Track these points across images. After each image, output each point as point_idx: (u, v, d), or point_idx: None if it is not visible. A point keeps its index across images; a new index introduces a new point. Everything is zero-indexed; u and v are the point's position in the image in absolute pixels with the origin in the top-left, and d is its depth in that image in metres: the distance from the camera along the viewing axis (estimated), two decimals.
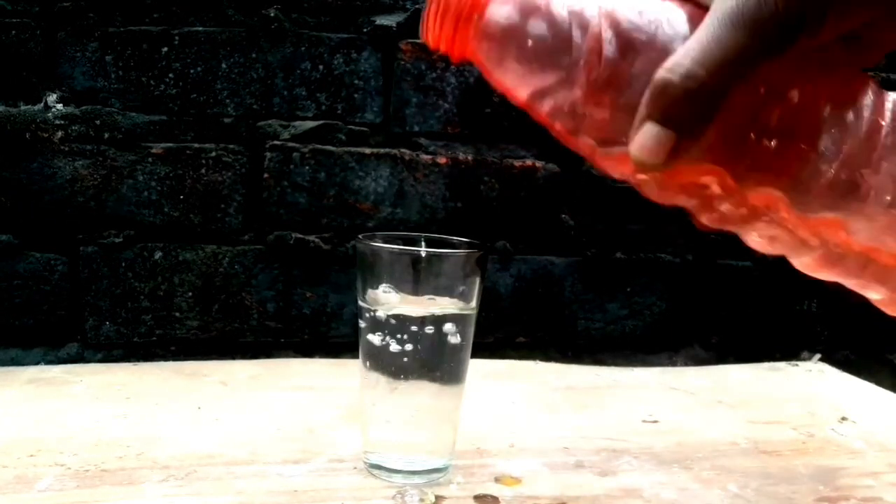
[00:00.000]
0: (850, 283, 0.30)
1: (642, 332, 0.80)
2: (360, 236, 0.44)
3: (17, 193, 0.66)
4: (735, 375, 0.72)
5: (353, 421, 0.52)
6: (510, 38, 0.29)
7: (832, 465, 0.50)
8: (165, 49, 0.67)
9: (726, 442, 0.54)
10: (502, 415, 0.57)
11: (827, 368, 0.76)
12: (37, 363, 0.69)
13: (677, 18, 0.28)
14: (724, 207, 0.29)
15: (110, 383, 0.60)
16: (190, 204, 0.70)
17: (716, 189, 0.29)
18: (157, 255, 0.70)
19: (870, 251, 0.28)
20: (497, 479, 0.45)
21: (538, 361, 0.75)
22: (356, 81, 0.71)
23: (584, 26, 0.28)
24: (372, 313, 0.43)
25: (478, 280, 0.44)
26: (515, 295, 0.76)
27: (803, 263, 0.31)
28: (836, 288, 0.32)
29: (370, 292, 0.43)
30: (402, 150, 0.72)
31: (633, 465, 0.49)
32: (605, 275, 0.78)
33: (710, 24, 0.26)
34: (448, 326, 0.43)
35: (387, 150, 0.72)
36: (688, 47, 0.26)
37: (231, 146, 0.70)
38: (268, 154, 0.70)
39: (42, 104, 0.66)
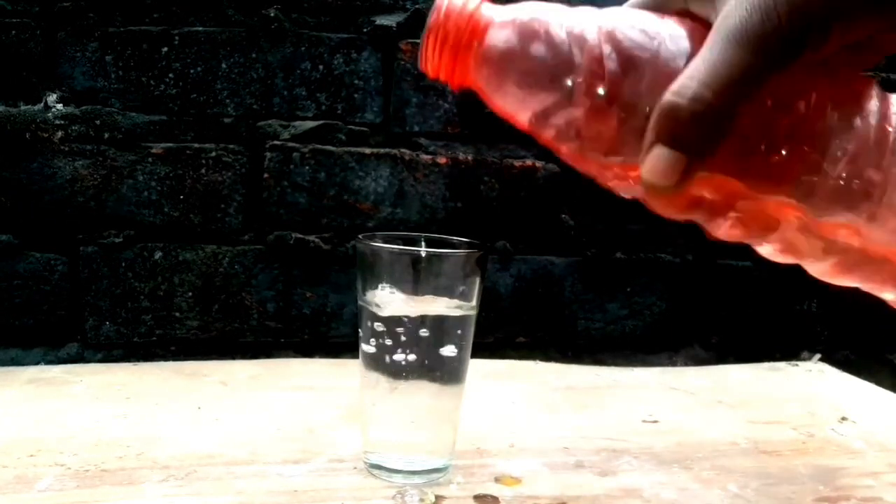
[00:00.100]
0: (867, 287, 0.30)
1: (642, 332, 0.80)
2: (360, 236, 0.44)
3: (17, 193, 0.66)
4: (735, 375, 0.72)
5: (353, 421, 0.52)
6: (510, 62, 0.29)
7: (832, 465, 0.50)
8: (165, 49, 0.67)
9: (726, 442, 0.54)
10: (502, 415, 0.57)
11: (827, 368, 0.76)
12: (37, 363, 0.69)
13: (679, 35, 0.28)
14: (737, 220, 0.29)
15: (110, 383, 0.60)
16: (190, 204, 0.70)
17: (727, 202, 0.29)
18: (157, 255, 0.70)
19: (886, 253, 0.28)
20: (497, 479, 0.45)
21: (538, 361, 0.75)
22: (356, 81, 0.71)
23: (584, 46, 0.28)
24: (372, 313, 0.43)
25: (478, 280, 0.44)
26: (515, 295, 0.76)
27: (819, 270, 0.31)
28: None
29: (370, 292, 0.43)
30: (402, 150, 0.72)
31: (633, 465, 0.49)
32: (605, 275, 0.78)
33: (714, 43, 0.26)
34: (448, 331, 0.43)
35: (387, 150, 0.72)
36: (693, 68, 0.26)
37: (231, 146, 0.70)
38: (268, 154, 0.70)
39: (42, 104, 0.66)
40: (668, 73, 0.27)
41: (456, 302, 0.43)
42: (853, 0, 0.25)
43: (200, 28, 0.68)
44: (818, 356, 0.81)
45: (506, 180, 0.74)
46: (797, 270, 0.32)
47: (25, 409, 0.54)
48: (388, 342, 0.42)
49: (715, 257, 0.80)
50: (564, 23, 0.28)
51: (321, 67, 0.70)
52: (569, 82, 0.28)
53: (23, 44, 0.65)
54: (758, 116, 0.26)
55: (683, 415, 0.59)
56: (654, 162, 0.26)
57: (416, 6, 0.71)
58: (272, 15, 0.69)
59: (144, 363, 0.69)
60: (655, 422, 0.57)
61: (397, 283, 0.42)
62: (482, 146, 0.74)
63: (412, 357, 0.42)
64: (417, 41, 0.71)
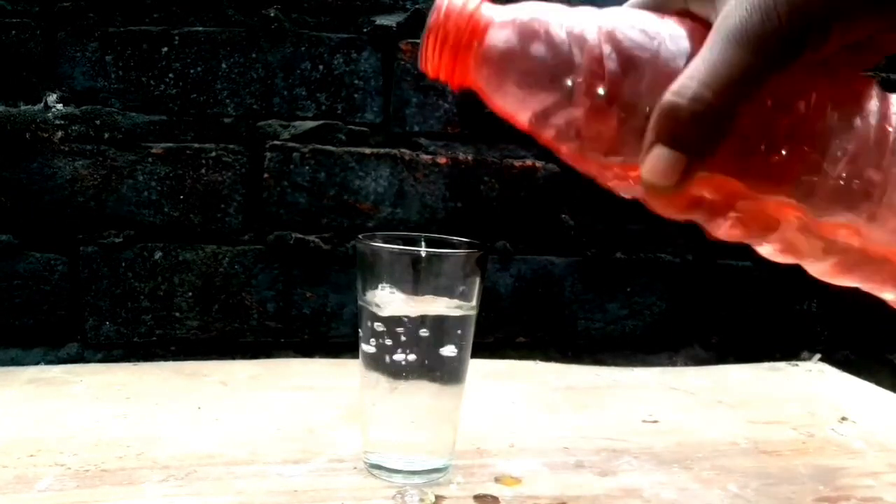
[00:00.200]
0: (867, 287, 0.30)
1: (642, 332, 0.80)
2: (360, 236, 0.44)
3: (17, 193, 0.66)
4: (735, 375, 0.72)
5: (353, 421, 0.52)
6: (510, 62, 0.29)
7: (832, 465, 0.50)
8: (165, 49, 0.67)
9: (726, 442, 0.54)
10: (502, 415, 0.57)
11: (827, 368, 0.76)
12: (37, 363, 0.69)
13: (679, 35, 0.28)
14: (737, 220, 0.29)
15: (110, 383, 0.60)
16: (190, 204, 0.70)
17: (727, 202, 0.29)
18: (157, 255, 0.70)
19: (886, 252, 0.28)
20: (497, 479, 0.45)
21: (538, 361, 0.75)
22: (356, 81, 0.71)
23: (584, 46, 0.28)
24: (372, 313, 0.43)
25: (478, 280, 0.44)
26: (515, 295, 0.76)
27: (819, 270, 0.31)
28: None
29: (370, 292, 0.43)
30: (402, 150, 0.72)
31: (633, 465, 0.49)
32: (605, 275, 0.78)
33: (714, 43, 0.26)
34: (448, 331, 0.43)
35: (387, 150, 0.72)
36: (693, 68, 0.26)
37: (231, 146, 0.70)
38: (268, 154, 0.70)
39: (42, 104, 0.66)
40: (668, 73, 0.27)
41: (456, 302, 0.43)
42: (853, 0, 0.25)
43: (200, 28, 0.68)
44: (818, 356, 0.81)
45: (506, 180, 0.74)
46: (797, 270, 0.32)
47: (25, 409, 0.54)
48: (388, 342, 0.42)
49: (715, 257, 0.80)
50: (564, 23, 0.28)
51: (321, 67, 0.70)
52: (569, 82, 0.28)
53: (23, 44, 0.65)
54: (758, 116, 0.27)
55: (683, 415, 0.59)
56: (654, 162, 0.26)
57: (416, 6, 0.71)
58: (272, 15, 0.69)
59: (144, 363, 0.69)
60: (655, 422, 0.57)
61: (397, 283, 0.42)
62: (482, 146, 0.74)
63: (412, 357, 0.42)
64: (417, 41, 0.72)
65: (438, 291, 0.42)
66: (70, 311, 0.69)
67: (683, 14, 0.29)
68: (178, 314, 0.71)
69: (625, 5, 0.32)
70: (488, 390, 0.63)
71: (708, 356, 0.81)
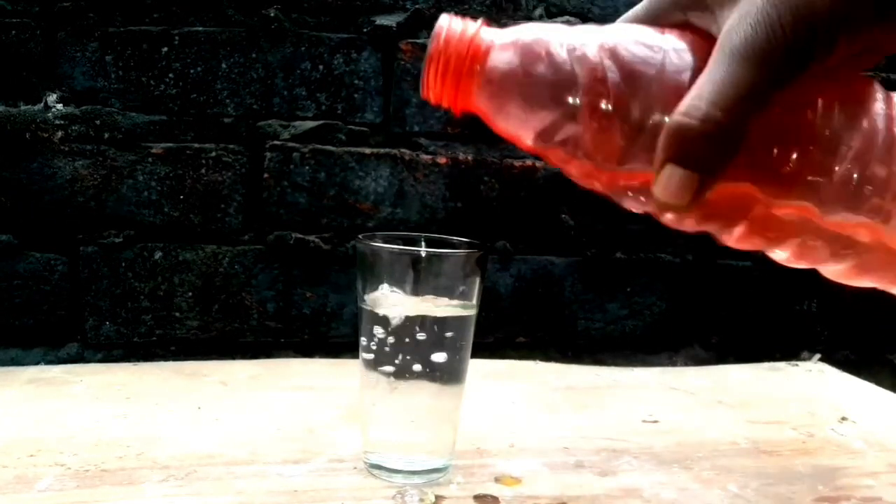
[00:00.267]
0: (883, 286, 0.30)
1: (642, 332, 0.80)
2: (360, 236, 0.44)
3: (17, 193, 0.66)
4: (735, 375, 0.72)
5: (353, 421, 0.52)
6: (513, 83, 0.29)
7: (832, 465, 0.50)
8: (165, 49, 0.67)
9: (726, 442, 0.54)
10: (502, 415, 0.57)
11: (827, 368, 0.76)
12: (37, 363, 0.69)
13: (681, 48, 0.28)
14: (750, 228, 0.29)
15: (110, 383, 0.60)
16: (190, 204, 0.70)
17: (740, 212, 0.29)
18: (157, 255, 0.70)
19: None
20: (497, 479, 0.45)
21: (538, 361, 0.75)
22: (356, 81, 0.71)
23: (586, 64, 0.28)
24: (372, 313, 0.43)
25: (478, 280, 0.44)
26: (515, 295, 0.76)
27: (835, 273, 0.30)
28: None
29: (370, 292, 0.43)
30: (402, 150, 0.72)
31: (633, 465, 0.49)
32: (605, 275, 0.78)
33: (721, 60, 0.26)
34: (448, 331, 0.43)
35: (387, 150, 0.72)
36: (700, 87, 0.26)
37: (231, 146, 0.70)
38: (268, 154, 0.70)
39: (42, 104, 0.66)
40: (672, 87, 0.27)
41: (456, 302, 0.43)
42: (858, 11, 0.25)
43: (200, 28, 0.68)
44: (818, 356, 0.81)
45: (506, 180, 0.74)
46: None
47: (25, 409, 0.54)
48: (388, 342, 0.42)
49: (715, 257, 0.80)
50: (565, 42, 0.28)
51: (321, 67, 0.70)
52: (572, 100, 0.28)
53: (23, 44, 0.65)
54: (766, 125, 0.26)
55: (683, 415, 0.59)
56: (667, 181, 0.26)
57: (416, 6, 0.71)
58: (272, 15, 0.69)
59: (144, 363, 0.69)
60: (655, 422, 0.57)
61: (397, 283, 0.42)
62: (482, 146, 0.74)
63: (412, 357, 0.42)
64: (417, 41, 0.72)
65: (438, 291, 0.42)
66: (70, 311, 0.69)
67: (683, 27, 0.29)
68: (178, 314, 0.71)
69: (621, 19, 0.32)
70: (488, 390, 0.63)
71: (708, 356, 0.81)
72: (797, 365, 0.77)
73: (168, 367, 0.67)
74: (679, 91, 0.27)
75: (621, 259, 0.78)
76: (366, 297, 0.43)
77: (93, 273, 0.69)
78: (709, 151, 0.26)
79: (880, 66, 0.80)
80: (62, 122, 0.66)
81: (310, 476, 0.45)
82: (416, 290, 0.42)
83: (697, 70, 0.27)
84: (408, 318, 0.42)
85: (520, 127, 0.30)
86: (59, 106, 0.66)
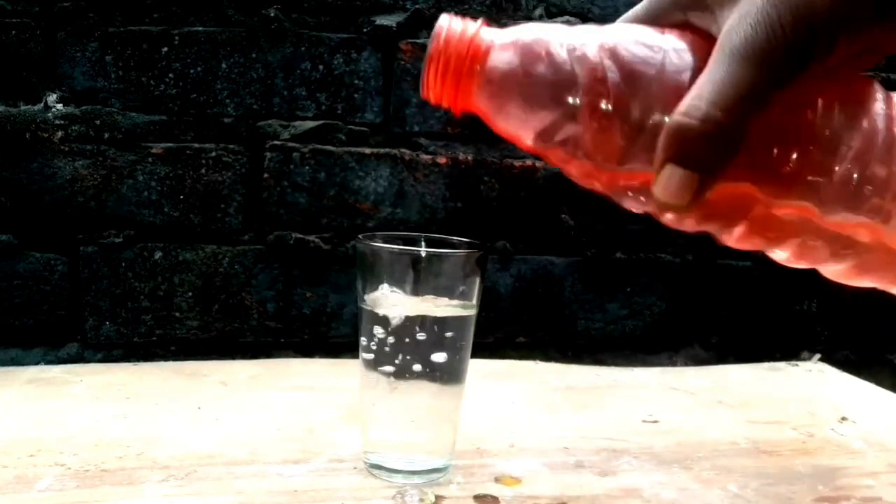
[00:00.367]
0: (883, 286, 0.30)
1: (642, 332, 0.80)
2: (360, 236, 0.44)
3: (17, 193, 0.66)
4: (735, 375, 0.72)
5: (353, 421, 0.52)
6: (512, 83, 0.29)
7: (832, 465, 0.50)
8: (165, 49, 0.67)
9: (726, 442, 0.54)
10: (502, 415, 0.57)
11: (827, 368, 0.76)
12: (37, 363, 0.69)
13: (681, 48, 0.28)
14: (751, 228, 0.29)
15: (110, 383, 0.60)
16: (190, 204, 0.70)
17: (740, 212, 0.29)
18: (157, 255, 0.70)
19: None
20: (497, 479, 0.45)
21: (538, 361, 0.75)
22: (356, 81, 0.71)
23: (586, 63, 0.28)
24: (372, 313, 0.43)
25: (478, 280, 0.44)
26: (515, 295, 0.76)
27: (835, 273, 0.30)
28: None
29: (370, 292, 0.43)
30: (402, 150, 0.72)
31: (633, 465, 0.49)
32: (605, 275, 0.78)
33: (721, 60, 0.26)
34: (448, 331, 0.43)
35: (387, 150, 0.72)
36: (700, 88, 0.26)
37: (231, 146, 0.70)
38: (268, 154, 0.70)
39: (42, 104, 0.66)
40: (672, 86, 0.27)
41: (456, 302, 0.43)
42: (858, 11, 0.25)
43: (200, 28, 0.68)
44: (818, 356, 0.81)
45: (506, 180, 0.74)
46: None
47: (25, 409, 0.54)
48: (388, 342, 0.42)
49: (715, 257, 0.80)
50: (565, 42, 0.28)
51: (321, 67, 0.70)
52: (573, 101, 0.28)
53: (23, 44, 0.65)
54: (766, 125, 0.27)
55: (683, 415, 0.59)
56: (667, 181, 0.26)
57: (416, 6, 0.71)
58: (272, 15, 0.69)
59: (144, 363, 0.69)
60: (655, 422, 0.57)
61: (397, 283, 0.42)
62: (482, 146, 0.74)
63: (412, 357, 0.42)
64: (417, 41, 0.72)
65: (438, 291, 0.42)
66: (70, 311, 0.69)
67: (682, 26, 0.29)
68: (178, 314, 0.71)
69: (621, 19, 0.32)
70: (488, 390, 0.63)
71: (708, 356, 0.81)
72: (797, 365, 0.77)
73: (168, 367, 0.67)
74: (679, 91, 0.27)
75: (621, 259, 0.78)
76: (366, 297, 0.43)
77: (93, 273, 0.69)
78: (709, 151, 0.26)
79: (880, 66, 0.80)
80: (62, 122, 0.66)
81: (310, 476, 0.45)
82: (416, 290, 0.42)
83: (697, 70, 0.27)
84: (408, 318, 0.42)
85: (520, 127, 0.30)
86: (59, 106, 0.66)
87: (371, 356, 0.43)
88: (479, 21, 0.31)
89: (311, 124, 0.71)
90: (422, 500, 0.42)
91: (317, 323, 0.73)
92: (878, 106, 0.27)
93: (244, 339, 0.72)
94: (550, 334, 0.78)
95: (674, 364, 0.80)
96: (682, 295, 0.80)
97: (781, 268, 0.33)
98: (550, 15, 0.74)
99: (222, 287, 0.71)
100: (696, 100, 0.26)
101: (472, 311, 0.44)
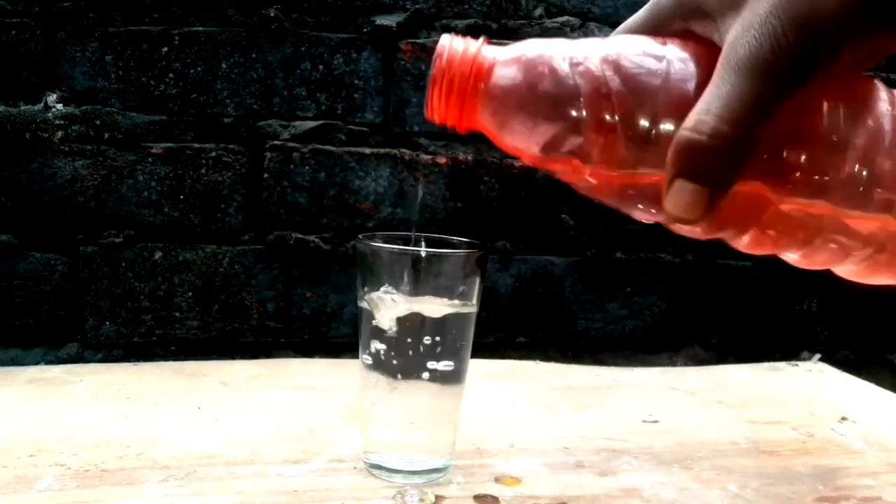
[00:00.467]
0: None
1: (642, 332, 0.80)
2: (360, 236, 0.44)
3: (17, 193, 0.66)
4: (735, 375, 0.72)
5: (353, 421, 0.52)
6: (516, 99, 0.29)
7: (832, 465, 0.50)
8: (165, 49, 0.67)
9: (726, 442, 0.54)
10: (502, 415, 0.57)
11: (827, 368, 0.76)
12: (37, 363, 0.69)
13: (684, 57, 0.28)
14: (762, 233, 0.29)
15: (110, 383, 0.60)
16: (190, 204, 0.70)
17: (752, 218, 0.29)
18: (157, 255, 0.70)
19: None
20: (497, 479, 0.45)
21: (538, 361, 0.75)
22: (356, 81, 0.71)
23: (589, 77, 0.28)
24: (372, 313, 0.43)
25: (478, 280, 0.44)
26: (515, 295, 0.76)
27: (848, 271, 0.30)
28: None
29: (370, 292, 0.43)
30: (402, 150, 0.72)
31: (633, 465, 0.49)
32: (605, 275, 0.78)
33: (726, 73, 0.25)
34: (448, 331, 0.43)
35: (387, 150, 0.72)
36: (707, 101, 0.26)
37: (231, 146, 0.70)
38: (268, 154, 0.70)
39: (42, 104, 0.66)
40: (677, 98, 0.27)
41: (456, 302, 0.43)
42: (862, 18, 0.25)
43: (200, 28, 0.68)
44: (818, 356, 0.81)
45: (506, 180, 0.74)
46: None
47: (25, 409, 0.54)
48: (388, 342, 0.42)
49: (715, 257, 0.80)
50: (568, 56, 0.28)
51: (321, 67, 0.70)
52: (578, 115, 0.28)
53: (23, 44, 0.65)
54: (773, 129, 0.26)
55: (683, 415, 0.59)
56: (678, 196, 0.26)
57: (416, 6, 0.71)
58: (272, 15, 0.69)
59: (144, 363, 0.69)
60: (655, 422, 0.57)
61: (397, 284, 0.42)
62: (482, 146, 0.74)
63: (412, 357, 0.42)
64: (417, 41, 0.72)
65: (438, 291, 0.42)
66: (70, 311, 0.69)
67: (684, 35, 0.29)
68: (178, 314, 0.71)
69: (621, 27, 0.32)
70: (488, 390, 0.63)
71: (708, 356, 0.81)
72: (797, 365, 0.77)
73: (168, 367, 0.67)
74: (683, 101, 0.27)
75: (621, 259, 0.78)
76: (366, 297, 0.43)
77: (93, 273, 0.69)
78: (718, 166, 0.26)
79: (880, 66, 0.80)
80: (62, 122, 0.66)
81: (310, 476, 0.45)
82: (416, 291, 0.42)
83: (701, 79, 0.27)
84: (408, 318, 0.42)
85: (525, 142, 0.30)
86: (59, 106, 0.66)
87: (371, 356, 0.43)
88: (481, 39, 0.31)
89: (311, 124, 0.71)
90: (422, 500, 0.42)
91: (317, 323, 0.73)
92: (883, 103, 0.28)
93: (244, 339, 0.72)
94: (550, 334, 0.78)
95: (674, 364, 0.80)
96: (682, 295, 0.80)
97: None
98: (550, 15, 0.74)
99: (222, 287, 0.71)
100: (704, 114, 0.25)
101: (472, 311, 0.44)
